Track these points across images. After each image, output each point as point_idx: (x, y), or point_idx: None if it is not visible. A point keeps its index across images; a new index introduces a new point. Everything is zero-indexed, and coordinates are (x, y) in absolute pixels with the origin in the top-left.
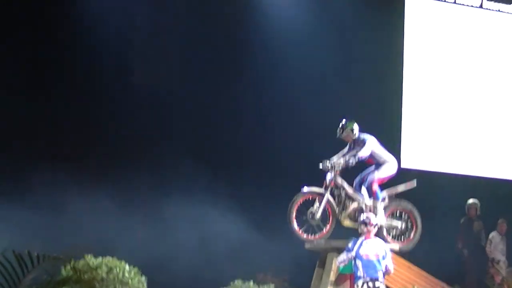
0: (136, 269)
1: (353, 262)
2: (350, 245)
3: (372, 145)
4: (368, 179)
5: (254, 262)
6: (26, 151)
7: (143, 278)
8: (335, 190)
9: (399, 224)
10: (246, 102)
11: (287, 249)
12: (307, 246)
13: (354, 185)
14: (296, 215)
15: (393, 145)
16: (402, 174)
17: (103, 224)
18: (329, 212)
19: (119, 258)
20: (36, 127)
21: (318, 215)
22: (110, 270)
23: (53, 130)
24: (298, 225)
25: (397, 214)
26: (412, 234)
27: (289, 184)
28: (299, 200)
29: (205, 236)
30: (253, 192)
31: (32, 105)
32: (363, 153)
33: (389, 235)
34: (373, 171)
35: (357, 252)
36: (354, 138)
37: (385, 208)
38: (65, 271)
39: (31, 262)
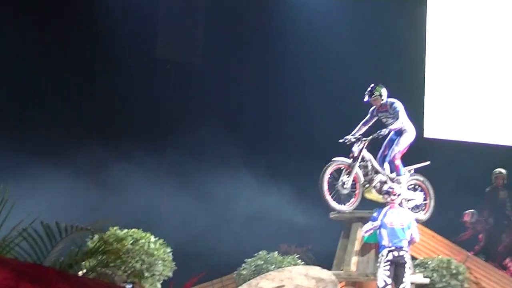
0: (161, 241)
1: (377, 231)
2: (375, 214)
3: (403, 115)
4: (390, 154)
5: (279, 233)
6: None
7: (169, 249)
8: (362, 162)
9: (417, 196)
10: (279, 78)
11: (311, 219)
12: (331, 216)
13: (377, 158)
14: (327, 184)
15: (416, 114)
16: (426, 144)
17: (133, 198)
18: (356, 183)
19: (144, 230)
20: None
21: (349, 184)
22: (135, 241)
23: (81, 110)
24: (330, 193)
25: (412, 187)
26: (427, 205)
27: (319, 158)
28: (330, 170)
29: (233, 210)
30: (283, 165)
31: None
32: (397, 125)
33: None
34: (394, 145)
35: (382, 221)
36: (382, 103)
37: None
38: (92, 242)
39: (59, 233)
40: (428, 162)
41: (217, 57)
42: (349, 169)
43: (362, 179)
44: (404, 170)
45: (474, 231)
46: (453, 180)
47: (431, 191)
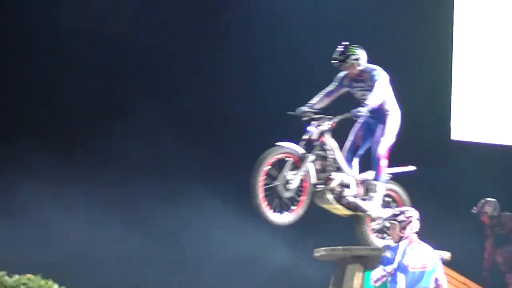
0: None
1: (389, 277)
2: (388, 254)
3: (386, 88)
4: (376, 150)
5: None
6: None
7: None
8: (320, 151)
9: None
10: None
11: (291, 263)
12: (316, 254)
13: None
14: (264, 182)
15: (442, 114)
16: (453, 146)
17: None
18: (304, 182)
19: (44, 276)
20: None
21: (295, 183)
22: None
23: None
24: (264, 197)
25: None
26: None
27: None
28: (269, 160)
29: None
30: None
31: None
32: (375, 101)
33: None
34: (379, 135)
35: (400, 263)
36: (359, 69)
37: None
38: None
39: None
40: (413, 168)
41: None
42: (299, 161)
43: (314, 177)
44: (384, 185)
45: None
46: (484, 191)
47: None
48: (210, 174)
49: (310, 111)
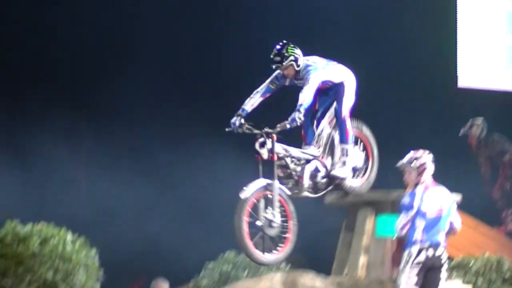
0: (82, 240)
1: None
2: (407, 200)
3: (318, 78)
4: (340, 113)
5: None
6: None
7: (93, 252)
8: (278, 163)
9: (356, 155)
10: None
11: (299, 203)
12: (327, 200)
13: (305, 129)
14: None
15: (448, 62)
16: (461, 94)
17: (39, 178)
18: (284, 206)
19: (57, 225)
20: None
21: (278, 218)
22: (44, 241)
23: None
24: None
25: None
26: (368, 169)
27: None
28: (245, 211)
29: (187, 192)
30: None
31: None
32: (306, 96)
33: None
34: (340, 100)
35: (418, 209)
36: (298, 69)
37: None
38: None
39: None
40: None
41: None
42: (268, 193)
43: (286, 194)
44: (352, 145)
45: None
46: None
47: (375, 149)
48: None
49: (244, 124)
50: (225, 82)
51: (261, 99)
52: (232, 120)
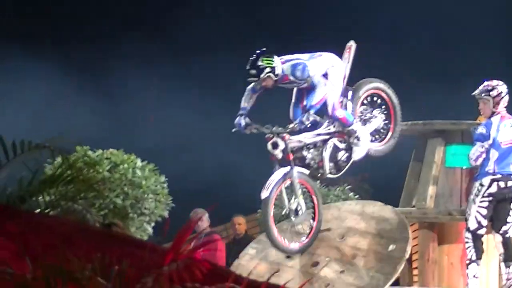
0: (151, 166)
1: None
2: (482, 130)
3: (320, 73)
4: (330, 108)
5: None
6: None
7: (163, 178)
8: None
9: (375, 116)
10: None
11: None
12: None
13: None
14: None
15: None
16: None
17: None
18: (307, 187)
19: (127, 152)
20: None
21: (302, 204)
22: (115, 166)
23: None
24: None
25: (368, 102)
26: (389, 130)
27: None
28: (270, 209)
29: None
30: None
31: None
32: (318, 100)
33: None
34: (326, 93)
35: (494, 139)
36: (279, 78)
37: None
38: (53, 167)
39: (5, 152)
40: None
41: None
42: (288, 181)
43: (306, 175)
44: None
45: None
46: None
47: (397, 107)
48: None
49: (250, 125)
50: None
51: (255, 96)
52: (236, 121)
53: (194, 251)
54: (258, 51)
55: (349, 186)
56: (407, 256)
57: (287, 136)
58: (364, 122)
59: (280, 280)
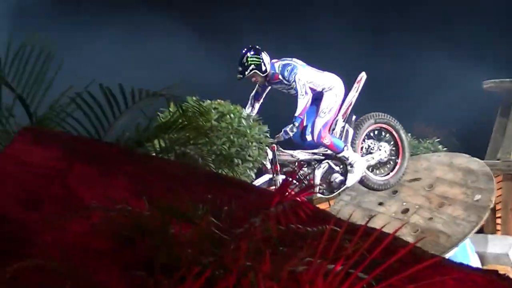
0: (255, 116)
1: None
2: None
3: (303, 80)
4: (315, 136)
5: (410, 111)
6: None
7: (266, 128)
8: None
9: (381, 148)
10: None
11: (455, 92)
12: (485, 85)
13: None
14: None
15: None
16: None
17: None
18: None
19: (233, 102)
20: None
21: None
22: (221, 116)
23: None
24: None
25: (375, 135)
26: (397, 164)
27: None
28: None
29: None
30: None
31: None
32: (302, 107)
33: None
34: (314, 117)
35: None
36: (268, 74)
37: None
38: (166, 115)
39: (124, 100)
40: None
41: None
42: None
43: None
44: (342, 140)
45: None
46: None
47: (405, 142)
48: None
49: None
50: None
51: (256, 103)
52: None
53: (298, 195)
54: (245, 49)
55: (438, 139)
56: (491, 205)
57: (275, 147)
58: (368, 152)
59: (373, 225)
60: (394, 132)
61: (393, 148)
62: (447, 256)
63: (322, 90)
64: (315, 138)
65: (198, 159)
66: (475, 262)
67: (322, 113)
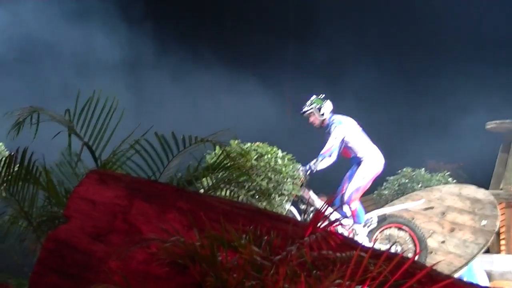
0: (289, 156)
1: None
2: None
3: (343, 132)
4: (344, 197)
5: (424, 149)
6: None
7: (299, 166)
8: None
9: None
10: None
11: (462, 132)
12: (488, 126)
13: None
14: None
15: None
16: None
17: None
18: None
19: (271, 144)
20: None
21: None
22: (260, 156)
23: None
24: None
25: (386, 239)
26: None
27: None
28: None
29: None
30: None
31: None
32: (327, 148)
33: None
34: (347, 184)
35: None
36: (322, 121)
37: (372, 231)
38: (211, 157)
39: (177, 145)
40: (422, 200)
41: None
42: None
43: None
44: (366, 217)
45: None
46: None
47: (422, 243)
48: None
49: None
50: None
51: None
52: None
53: (328, 226)
54: (315, 95)
55: (448, 173)
56: (496, 229)
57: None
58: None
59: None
60: (410, 233)
61: (410, 244)
62: (457, 274)
63: (361, 158)
64: (346, 198)
65: (241, 195)
66: (483, 279)
67: (358, 177)
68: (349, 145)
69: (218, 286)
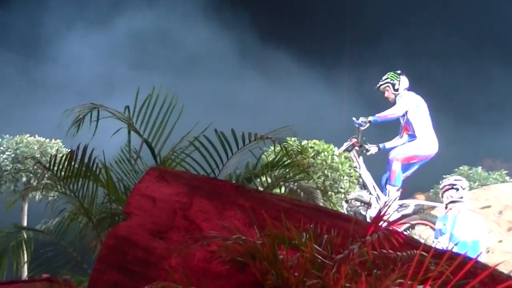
0: (346, 154)
1: None
2: None
3: (408, 105)
4: (391, 152)
5: (480, 147)
6: None
7: (355, 164)
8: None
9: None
10: None
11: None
12: None
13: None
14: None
15: None
16: None
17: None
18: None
19: (327, 142)
20: None
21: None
22: (317, 154)
23: None
24: None
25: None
26: None
27: None
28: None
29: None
30: None
31: None
32: (392, 111)
33: None
34: (401, 144)
35: None
36: (394, 95)
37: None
38: (268, 154)
39: (236, 142)
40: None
41: None
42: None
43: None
44: (405, 201)
45: None
46: None
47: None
48: None
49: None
50: None
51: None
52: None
53: (391, 224)
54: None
55: (506, 171)
56: None
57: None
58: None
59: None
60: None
61: None
62: None
63: (417, 136)
64: (392, 155)
65: (301, 193)
66: None
67: (408, 146)
68: (410, 120)
69: (279, 284)
